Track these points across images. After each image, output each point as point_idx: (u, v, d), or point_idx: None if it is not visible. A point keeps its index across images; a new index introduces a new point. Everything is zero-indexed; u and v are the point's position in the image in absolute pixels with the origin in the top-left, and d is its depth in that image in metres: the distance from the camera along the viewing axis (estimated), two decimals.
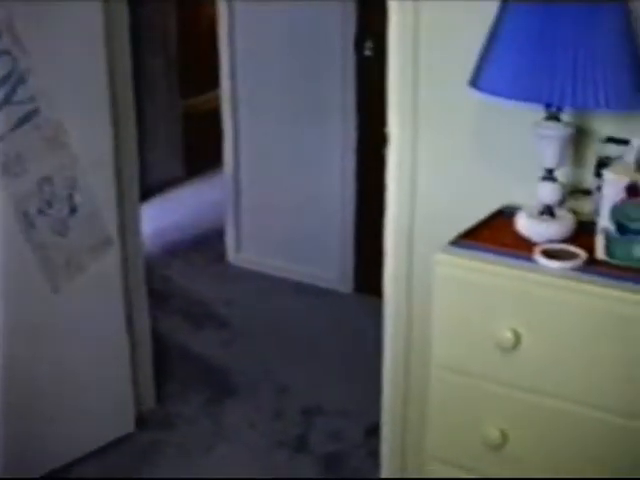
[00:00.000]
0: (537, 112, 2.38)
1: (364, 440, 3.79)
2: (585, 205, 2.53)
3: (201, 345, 4.59)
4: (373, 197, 3.70)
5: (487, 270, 2.30)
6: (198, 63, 6.50)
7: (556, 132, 2.36)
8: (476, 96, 2.43)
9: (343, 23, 4.84)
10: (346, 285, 5.26)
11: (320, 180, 5.19)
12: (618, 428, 2.22)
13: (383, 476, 3.27)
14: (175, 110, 6.69)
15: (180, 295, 5.13)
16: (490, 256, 2.33)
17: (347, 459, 3.72)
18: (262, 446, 3.79)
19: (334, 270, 5.27)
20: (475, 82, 2.36)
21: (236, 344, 4.62)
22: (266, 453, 3.74)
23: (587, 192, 2.53)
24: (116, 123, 3.55)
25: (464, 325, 2.34)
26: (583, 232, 2.39)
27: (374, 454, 3.38)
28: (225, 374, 4.32)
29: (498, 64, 2.28)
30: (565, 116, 2.40)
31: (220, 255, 5.63)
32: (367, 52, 4.78)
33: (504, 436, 2.35)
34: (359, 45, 4.83)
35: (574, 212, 2.48)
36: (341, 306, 5.08)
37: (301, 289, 5.22)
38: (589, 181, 2.52)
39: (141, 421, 3.88)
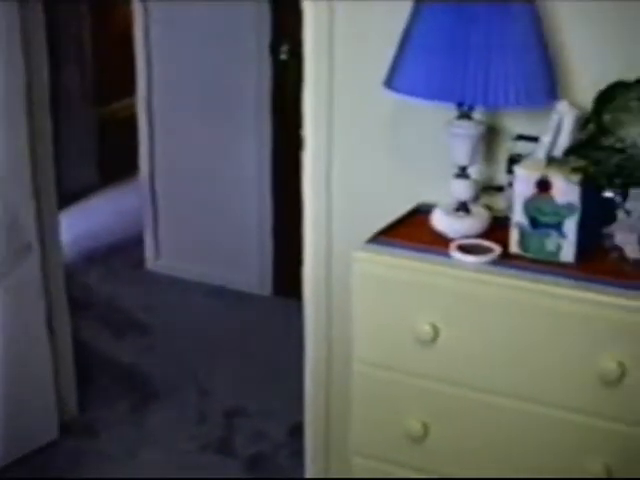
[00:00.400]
0: (450, 111, 2.44)
1: (288, 440, 3.82)
2: (498, 201, 2.60)
3: (122, 352, 4.57)
4: (290, 199, 3.75)
5: (404, 266, 2.35)
6: (114, 69, 6.45)
7: (468, 130, 2.43)
8: (391, 96, 2.47)
9: (258, 27, 4.87)
10: (265, 288, 5.28)
11: (237, 184, 5.20)
12: (536, 416, 2.29)
13: (307, 475, 3.31)
14: (90, 118, 6.64)
15: (100, 302, 5.11)
16: (407, 252, 2.38)
17: (271, 459, 3.75)
18: (187, 449, 3.80)
19: (253, 273, 5.29)
20: (389, 83, 2.42)
21: (157, 350, 4.61)
22: (191, 456, 3.75)
23: (500, 188, 2.60)
24: (33, 134, 3.53)
25: (384, 321, 2.39)
26: (497, 227, 2.46)
27: (298, 453, 3.41)
28: (147, 379, 4.32)
29: (411, 64, 2.34)
30: (477, 114, 2.46)
31: (139, 261, 5.61)
32: (283, 56, 4.81)
33: (426, 428, 2.40)
34: (275, 49, 4.86)
35: (488, 208, 2.55)
36: (260, 309, 5.10)
37: (220, 293, 5.22)
38: (501, 178, 2.59)
39: (65, 428, 3.86)
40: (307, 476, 3.32)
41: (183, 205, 5.41)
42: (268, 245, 5.22)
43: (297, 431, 3.47)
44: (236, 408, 4.09)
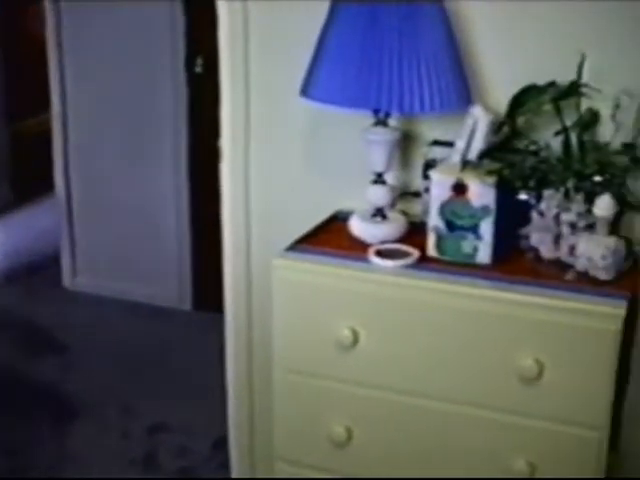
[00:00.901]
0: (366, 118, 2.46)
1: (213, 453, 3.81)
2: (415, 206, 2.62)
3: (42, 371, 4.51)
4: (208, 212, 3.74)
5: (323, 272, 2.36)
6: (29, 84, 6.35)
7: (384, 137, 2.45)
8: (307, 105, 2.48)
9: (173, 41, 4.87)
10: (185, 303, 5.28)
11: (154, 199, 5.19)
12: (458, 417, 2.31)
13: None
14: (1, 134, 6.54)
15: (18, 322, 5.03)
16: (325, 259, 2.39)
17: (197, 473, 3.74)
18: (111, 466, 3.76)
19: (172, 289, 5.29)
20: (305, 91, 2.43)
21: (77, 368, 4.56)
22: (116, 473, 3.71)
23: (416, 194, 2.62)
24: None
25: (304, 327, 2.39)
26: (414, 232, 2.49)
27: (224, 466, 3.40)
28: (68, 398, 4.26)
29: (326, 72, 2.35)
30: (392, 121, 2.49)
31: (56, 280, 5.56)
32: (198, 69, 4.82)
33: (349, 433, 2.41)
34: (189, 63, 4.86)
35: (405, 214, 2.58)
36: (180, 324, 5.09)
37: (140, 309, 5.20)
38: (418, 183, 2.62)
39: None
40: None
41: (100, 222, 5.38)
42: (187, 260, 5.22)
43: (221, 444, 3.46)
44: (159, 424, 4.06)
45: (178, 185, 5.11)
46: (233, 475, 3.29)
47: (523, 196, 2.33)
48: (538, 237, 2.34)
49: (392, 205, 2.57)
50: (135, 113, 5.07)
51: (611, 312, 2.12)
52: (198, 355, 4.60)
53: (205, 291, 5.09)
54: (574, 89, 2.30)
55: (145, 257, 5.27)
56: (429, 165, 2.50)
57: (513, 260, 2.35)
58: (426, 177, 2.47)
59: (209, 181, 3.53)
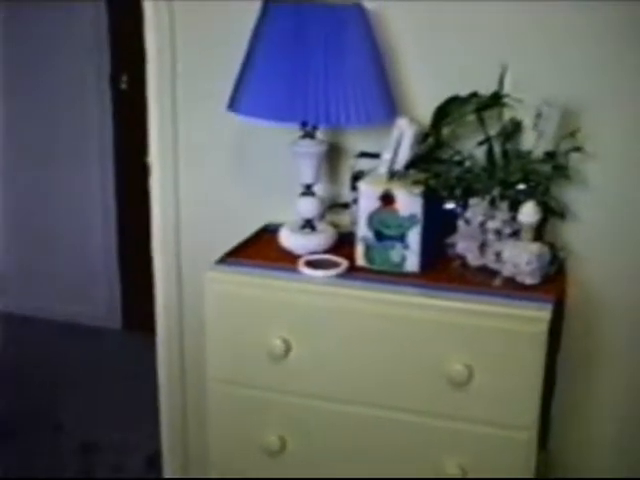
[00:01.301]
0: (294, 131, 2.49)
1: (147, 469, 3.80)
2: (344, 218, 2.66)
3: None
4: (136, 229, 3.74)
5: (254, 283, 2.38)
6: None
7: (311, 149, 2.49)
8: (236, 119, 2.51)
9: (98, 58, 4.86)
10: (115, 322, 5.26)
11: (81, 216, 5.17)
12: (390, 422, 2.35)
13: None
14: None
15: None
16: (256, 270, 2.42)
17: None
18: None
19: (101, 308, 5.26)
20: (233, 105, 2.45)
21: (7, 389, 4.51)
22: None
23: (345, 205, 2.66)
24: None
25: (237, 338, 2.41)
26: (343, 243, 2.52)
27: None
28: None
29: (253, 86, 2.38)
30: (320, 134, 2.52)
31: None
32: (123, 86, 4.82)
33: (282, 442, 2.43)
34: (115, 79, 4.86)
35: (334, 225, 2.61)
36: (111, 343, 5.07)
37: (70, 329, 5.16)
38: (346, 195, 2.66)
39: None
40: None
41: (26, 240, 5.33)
42: (115, 278, 5.20)
43: (156, 460, 3.45)
44: (92, 442, 4.04)
45: (105, 202, 5.10)
46: None
47: (449, 205, 2.38)
48: (465, 245, 2.39)
49: (321, 217, 2.60)
50: (60, 131, 5.05)
51: (537, 315, 2.18)
52: (129, 373, 4.58)
53: (135, 310, 5.07)
54: (496, 99, 2.37)
55: (73, 276, 5.25)
56: (357, 177, 2.53)
57: (441, 268, 2.40)
58: (354, 188, 2.50)
59: (137, 197, 3.53)
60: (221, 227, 2.85)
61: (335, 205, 2.69)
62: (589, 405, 2.71)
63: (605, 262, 2.57)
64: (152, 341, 3.15)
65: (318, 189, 2.59)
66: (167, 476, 3.27)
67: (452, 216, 2.39)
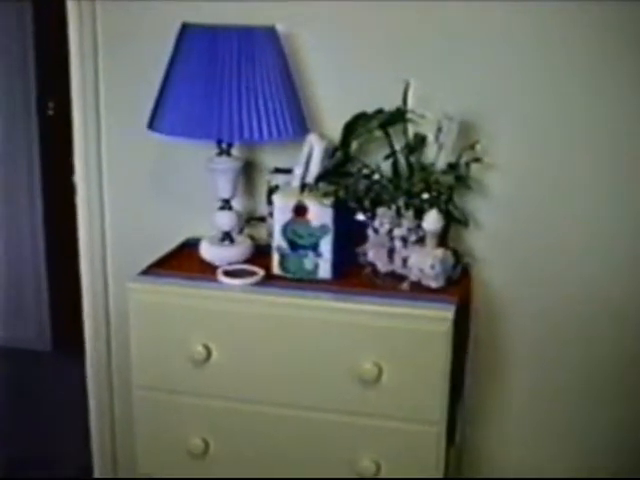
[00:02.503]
0: (212, 148, 2.62)
1: None
2: (261, 231, 2.79)
3: None
4: (65, 251, 3.82)
5: (175, 293, 2.50)
6: None
7: (227, 165, 2.61)
8: (156, 138, 2.62)
9: (25, 86, 4.93)
10: (44, 343, 5.30)
11: (10, 240, 5.21)
12: (307, 421, 2.48)
13: None
14: None
15: None
16: (177, 280, 2.53)
17: None
18: None
19: (30, 329, 5.30)
20: (152, 124, 2.57)
21: None
22: None
23: (262, 219, 2.79)
24: None
25: (160, 345, 2.52)
26: (260, 254, 2.65)
27: None
28: None
29: (170, 105, 2.50)
30: (235, 151, 2.65)
31: None
32: (50, 112, 4.89)
33: (206, 444, 2.54)
34: (41, 106, 4.94)
35: (252, 238, 2.74)
36: (41, 364, 5.10)
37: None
38: (263, 209, 2.79)
39: None
40: None
41: None
42: (45, 299, 5.24)
43: (87, 473, 3.53)
44: (23, 458, 4.09)
45: (34, 224, 5.15)
46: None
47: (360, 217, 2.52)
48: (374, 252, 2.52)
49: (240, 230, 2.73)
50: None
51: (440, 315, 2.33)
52: (59, 393, 4.62)
53: (65, 331, 5.12)
54: (399, 115, 2.51)
55: (2, 299, 5.28)
56: (272, 191, 2.66)
57: (352, 275, 2.53)
58: (270, 202, 2.63)
59: (65, 219, 3.61)
60: (146, 242, 2.92)
61: (252, 219, 2.82)
62: (497, 403, 2.86)
63: (507, 266, 2.74)
64: (82, 361, 3.23)
65: (236, 203, 2.71)
66: None
67: (363, 227, 2.52)
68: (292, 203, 2.48)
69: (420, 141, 2.55)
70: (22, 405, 4.63)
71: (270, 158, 2.79)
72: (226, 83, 2.42)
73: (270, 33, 2.53)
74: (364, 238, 2.54)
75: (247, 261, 2.64)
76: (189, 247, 2.78)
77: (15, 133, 5.04)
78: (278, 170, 2.72)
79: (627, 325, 2.72)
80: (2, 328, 5.29)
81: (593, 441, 2.84)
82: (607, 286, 2.71)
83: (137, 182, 2.98)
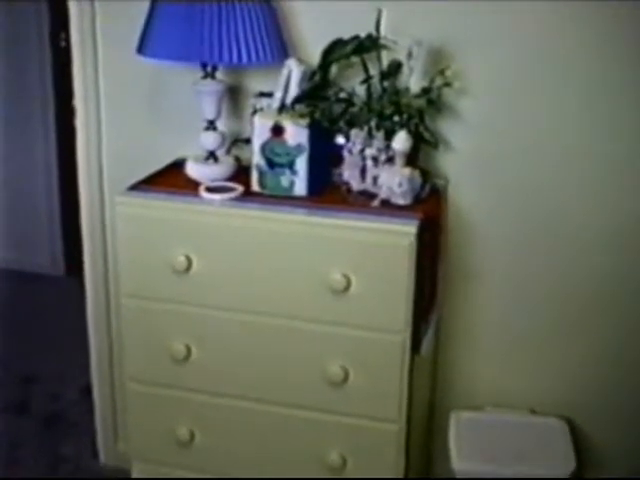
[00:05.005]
0: (199, 72, 2.75)
1: (80, 399, 4.04)
2: (247, 152, 2.89)
3: None
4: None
5: (159, 206, 2.65)
6: None
7: (211, 88, 2.75)
8: (149, 63, 2.75)
9: (37, 16, 5.06)
10: (57, 268, 5.47)
11: (24, 166, 5.36)
12: (278, 329, 2.64)
13: (97, 425, 3.58)
14: None
15: None
16: (162, 195, 2.68)
17: (65, 417, 3.98)
18: None
19: (44, 254, 5.47)
20: (141, 49, 2.70)
21: None
22: None
23: (247, 141, 2.91)
24: None
25: (146, 256, 2.68)
26: (244, 173, 2.77)
27: (89, 411, 3.68)
28: None
29: (157, 30, 2.62)
30: (220, 74, 2.78)
31: None
32: (62, 43, 5.01)
33: (188, 349, 2.71)
34: (54, 37, 5.07)
35: (238, 159, 2.88)
36: (54, 289, 5.29)
37: (13, 276, 5.36)
38: (248, 131, 2.91)
39: None
40: (97, 428, 3.59)
41: None
42: (57, 225, 5.39)
43: (87, 391, 3.71)
44: (32, 375, 4.29)
45: (47, 153, 5.30)
46: (97, 418, 3.60)
47: (340, 140, 2.65)
48: (349, 172, 2.65)
49: (227, 151, 2.87)
50: (3, 89, 5.23)
51: (404, 230, 2.47)
52: (69, 316, 4.76)
53: (78, 256, 5.24)
54: (372, 41, 2.63)
55: (16, 224, 5.43)
56: (256, 114, 2.79)
57: (328, 193, 2.68)
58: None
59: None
60: (140, 163, 3.00)
61: (238, 140, 2.95)
62: (469, 317, 3.01)
63: (479, 187, 2.87)
64: None
65: (223, 125, 2.86)
66: (97, 403, 3.56)
67: (339, 150, 2.65)
68: (270, 123, 2.61)
69: (395, 67, 2.67)
70: (33, 325, 4.81)
71: (255, 83, 2.91)
72: (207, 8, 2.55)
73: None
74: (341, 160, 2.67)
75: (230, 179, 2.78)
76: (177, 166, 2.92)
77: (29, 65, 5.16)
78: (262, 94, 2.83)
79: (597, 247, 2.85)
80: (19, 254, 5.47)
81: (566, 361, 2.99)
82: (579, 208, 2.82)
83: (132, 105, 3.11)
